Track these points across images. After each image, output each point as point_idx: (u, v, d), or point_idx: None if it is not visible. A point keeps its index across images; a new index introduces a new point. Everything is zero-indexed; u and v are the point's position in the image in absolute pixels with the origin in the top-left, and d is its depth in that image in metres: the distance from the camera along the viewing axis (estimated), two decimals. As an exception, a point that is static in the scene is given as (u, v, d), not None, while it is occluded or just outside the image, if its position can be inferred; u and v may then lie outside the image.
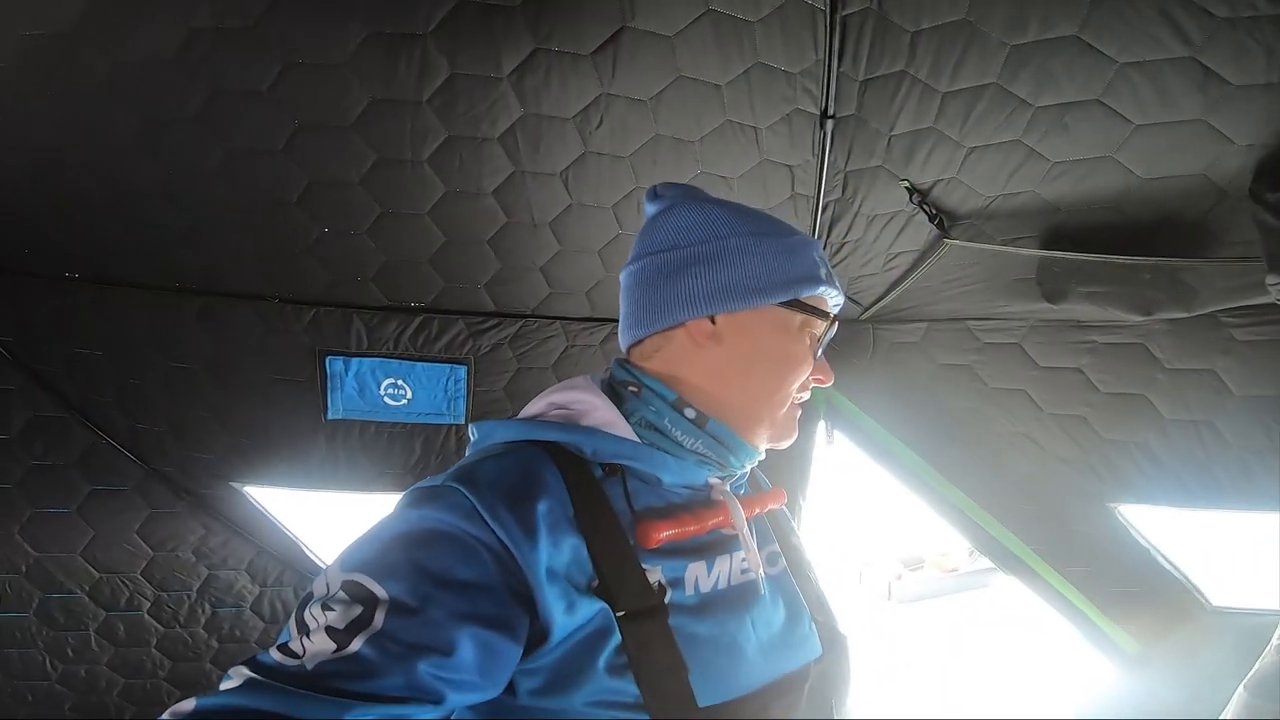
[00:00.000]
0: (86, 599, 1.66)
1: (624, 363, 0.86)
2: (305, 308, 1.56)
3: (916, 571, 6.88)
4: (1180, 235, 1.35)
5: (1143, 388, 1.69)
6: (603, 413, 0.80)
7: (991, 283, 1.67)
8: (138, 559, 1.67)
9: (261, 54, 1.18)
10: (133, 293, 1.48)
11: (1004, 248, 1.52)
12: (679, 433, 0.80)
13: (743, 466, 0.85)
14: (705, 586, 0.75)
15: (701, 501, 0.80)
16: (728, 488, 0.82)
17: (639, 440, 0.79)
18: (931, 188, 1.48)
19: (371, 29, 1.16)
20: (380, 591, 0.59)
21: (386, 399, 1.69)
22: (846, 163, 1.50)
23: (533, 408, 0.84)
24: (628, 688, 0.65)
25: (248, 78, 1.21)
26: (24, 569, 1.58)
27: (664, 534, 0.73)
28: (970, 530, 2.02)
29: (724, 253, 0.82)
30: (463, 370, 1.72)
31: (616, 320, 1.78)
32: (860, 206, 1.59)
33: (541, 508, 0.68)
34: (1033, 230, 1.49)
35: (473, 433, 0.82)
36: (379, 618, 0.58)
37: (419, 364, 1.69)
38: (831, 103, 1.37)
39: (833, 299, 0.87)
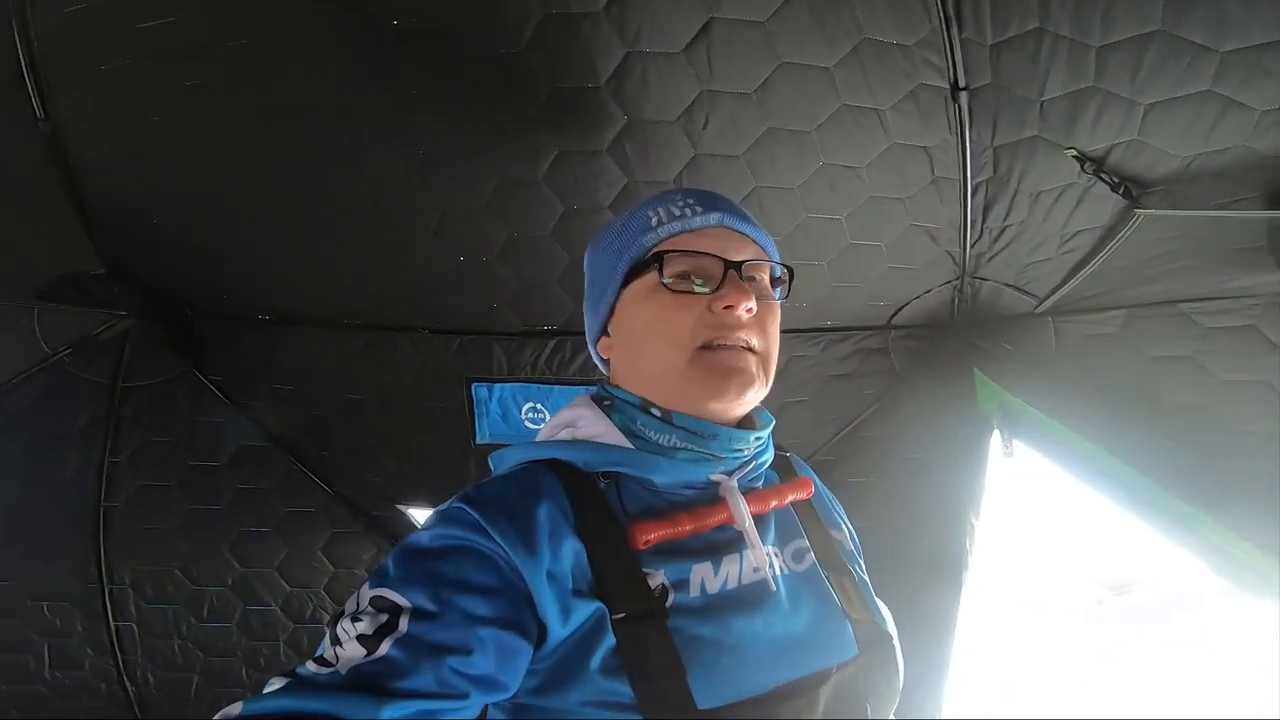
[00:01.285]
0: (279, 612, 1.88)
1: (601, 384, 0.91)
2: (452, 337, 1.69)
3: (1123, 595, 6.11)
4: None
5: None
6: (594, 425, 0.85)
7: (1208, 256, 1.37)
8: (321, 575, 1.88)
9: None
10: (311, 331, 1.69)
11: (1218, 212, 1.24)
12: (653, 433, 0.82)
13: (735, 452, 0.84)
14: (712, 587, 0.76)
15: (707, 500, 0.81)
16: (734, 483, 0.82)
17: (630, 447, 0.82)
18: (1107, 154, 1.25)
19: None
20: (404, 600, 0.64)
21: (528, 423, 1.77)
22: (993, 137, 1.32)
23: (544, 431, 0.91)
24: (622, 689, 0.67)
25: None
26: (230, 582, 1.84)
27: (653, 535, 0.75)
28: (1209, 552, 1.67)
29: (587, 270, 0.95)
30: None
31: (829, 329, 1.79)
32: (1019, 185, 1.39)
33: (540, 515, 0.73)
34: (1252, 189, 1.20)
35: (491, 463, 0.89)
36: (403, 623, 0.63)
37: (555, 387, 1.75)
38: (961, 73, 1.22)
39: (693, 224, 0.85)
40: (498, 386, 1.73)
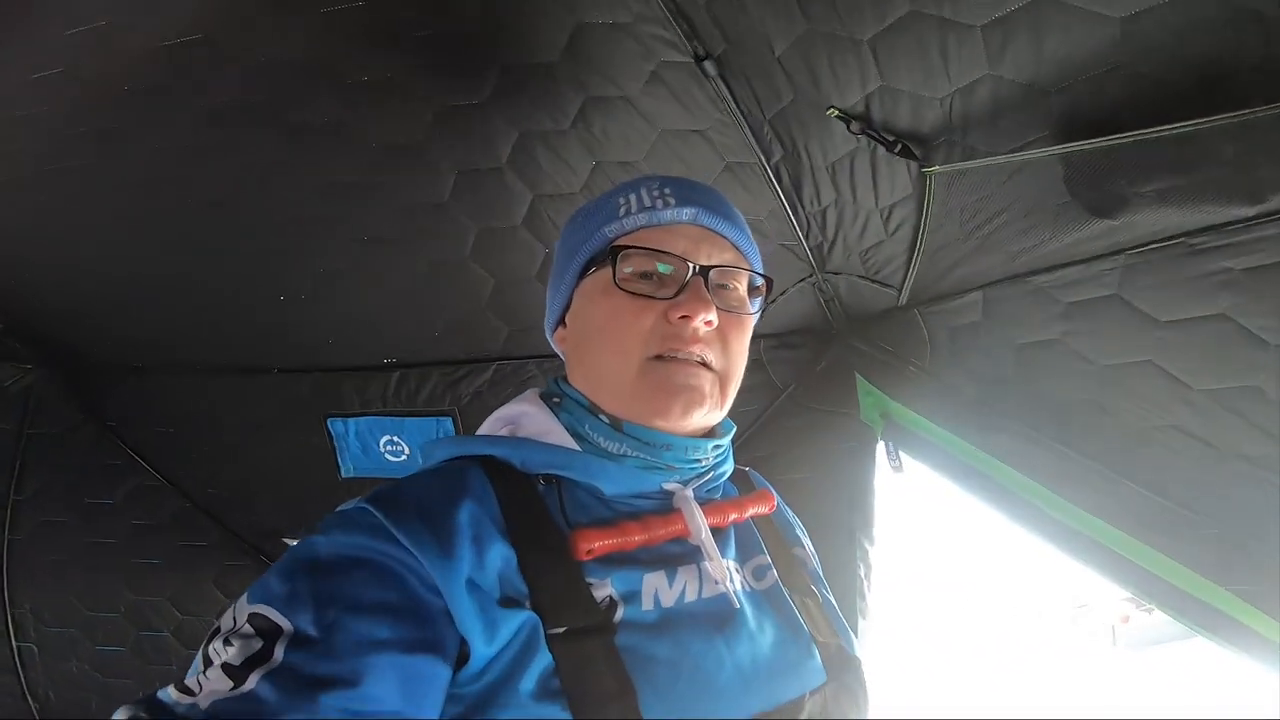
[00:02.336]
0: (171, 637, 1.92)
1: (555, 378, 0.83)
2: (303, 375, 1.70)
3: (1147, 613, 5.42)
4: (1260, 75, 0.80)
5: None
6: (539, 423, 0.76)
7: (1036, 216, 1.17)
8: (213, 604, 1.91)
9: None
10: (181, 377, 1.75)
11: (1005, 157, 1.06)
12: (602, 439, 0.73)
13: (692, 462, 0.75)
14: (667, 600, 0.66)
15: (660, 511, 0.72)
16: (689, 493, 0.74)
17: (577, 449, 0.73)
18: (867, 107, 1.11)
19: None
20: (285, 623, 0.55)
21: (388, 455, 1.74)
22: (762, 109, 1.21)
23: (483, 427, 0.81)
24: (559, 716, 0.56)
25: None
26: (123, 609, 1.90)
27: (598, 543, 0.66)
28: (1125, 573, 1.37)
29: (554, 256, 0.86)
30: (448, 421, 1.71)
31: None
32: (811, 159, 1.26)
33: (462, 515, 0.63)
34: (1037, 125, 1.02)
35: (420, 456, 0.80)
36: (279, 651, 0.53)
37: (408, 419, 1.72)
38: (697, 40, 1.13)
39: (662, 217, 0.75)
40: (353, 421, 1.72)
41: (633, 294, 0.72)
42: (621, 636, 0.61)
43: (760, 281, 0.81)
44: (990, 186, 1.14)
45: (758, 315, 0.82)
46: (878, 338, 1.58)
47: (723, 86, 1.17)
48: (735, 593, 0.70)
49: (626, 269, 0.74)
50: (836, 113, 1.12)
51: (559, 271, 0.83)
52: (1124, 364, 1.25)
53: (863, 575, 1.66)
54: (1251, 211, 0.88)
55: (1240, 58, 0.78)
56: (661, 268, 0.73)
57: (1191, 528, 1.31)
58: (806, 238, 1.43)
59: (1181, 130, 0.83)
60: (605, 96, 1.21)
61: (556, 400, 0.78)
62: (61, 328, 1.75)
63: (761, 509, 0.82)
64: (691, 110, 1.22)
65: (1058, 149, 1.00)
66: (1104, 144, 0.91)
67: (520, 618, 0.59)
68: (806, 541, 0.91)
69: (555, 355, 1.63)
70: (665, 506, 0.73)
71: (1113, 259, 1.18)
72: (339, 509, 0.65)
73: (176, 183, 1.31)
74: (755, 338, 1.60)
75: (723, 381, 0.75)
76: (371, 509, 0.62)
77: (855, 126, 1.12)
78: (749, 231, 0.83)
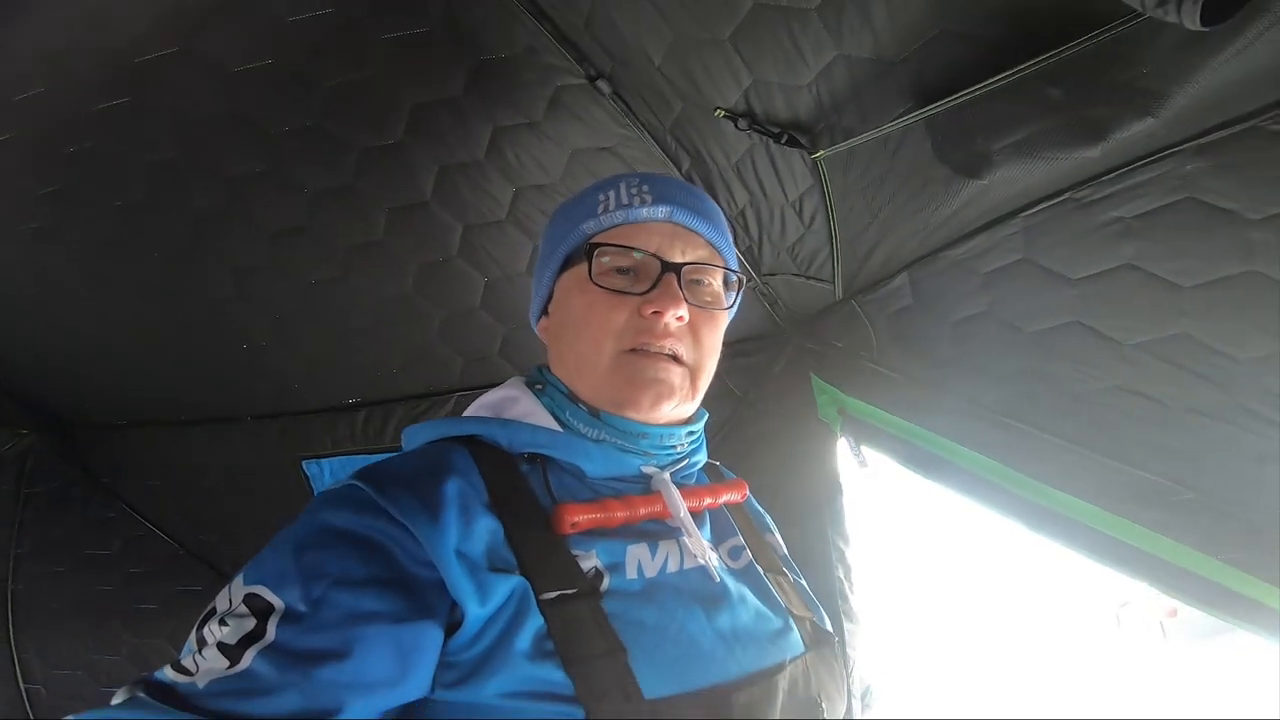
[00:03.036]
0: None
1: (539, 365, 0.88)
2: (271, 420, 1.80)
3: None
4: (1067, 18, 0.85)
5: (1241, 262, 1.01)
6: (523, 406, 0.80)
7: (926, 189, 1.21)
8: None
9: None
10: (161, 430, 1.88)
11: (875, 131, 1.11)
12: (582, 425, 0.78)
13: (668, 449, 0.80)
14: (650, 571, 0.71)
15: (639, 493, 0.77)
16: (667, 476, 0.79)
17: (560, 430, 0.78)
18: (748, 103, 1.18)
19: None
20: (276, 601, 0.57)
21: (363, 492, 1.82)
22: (658, 118, 1.29)
23: (468, 412, 0.85)
24: (554, 674, 0.59)
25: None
26: (124, 652, 2.00)
27: (581, 517, 0.69)
28: (1112, 552, 1.32)
29: (540, 248, 0.91)
30: None
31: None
32: (715, 162, 1.33)
33: (449, 489, 0.66)
34: (904, 97, 1.07)
35: (403, 439, 0.84)
36: (271, 629, 0.56)
37: (379, 454, 1.79)
38: (586, 62, 1.22)
39: (639, 214, 0.80)
40: (326, 461, 1.81)
41: (607, 289, 0.77)
42: (609, 602, 0.65)
43: (735, 278, 0.85)
44: (880, 164, 1.19)
45: (732, 311, 0.87)
46: (825, 334, 1.61)
47: (619, 103, 1.27)
48: (715, 567, 0.74)
49: (602, 264, 0.78)
50: (723, 113, 1.20)
51: (542, 264, 0.88)
52: (1051, 328, 1.26)
53: (842, 576, 1.64)
54: (1097, 150, 0.90)
55: (1046, 2, 0.83)
56: (634, 261, 0.78)
57: (1163, 494, 1.27)
58: (735, 242, 1.48)
59: (1007, 80, 0.87)
60: (513, 125, 1.32)
61: (539, 386, 0.82)
62: (51, 392, 1.92)
63: (734, 496, 0.87)
64: (595, 129, 1.32)
65: (912, 117, 1.05)
66: (947, 105, 0.96)
67: (511, 582, 0.62)
68: (776, 532, 0.96)
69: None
70: (644, 489, 0.78)
71: (1011, 222, 1.21)
72: (328, 488, 0.69)
73: (131, 240, 1.45)
74: (706, 348, 1.69)
75: (693, 374, 0.79)
76: (360, 484, 0.65)
77: (742, 124, 1.20)
78: (725, 229, 0.87)
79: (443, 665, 0.61)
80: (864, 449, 1.59)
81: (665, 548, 0.73)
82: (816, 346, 1.64)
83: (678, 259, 0.79)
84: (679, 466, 0.81)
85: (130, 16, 1.13)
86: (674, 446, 0.80)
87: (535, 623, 0.61)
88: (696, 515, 0.81)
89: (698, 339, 0.79)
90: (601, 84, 1.25)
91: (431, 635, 0.60)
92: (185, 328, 1.63)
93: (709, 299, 0.82)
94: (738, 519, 0.88)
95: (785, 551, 0.95)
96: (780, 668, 0.71)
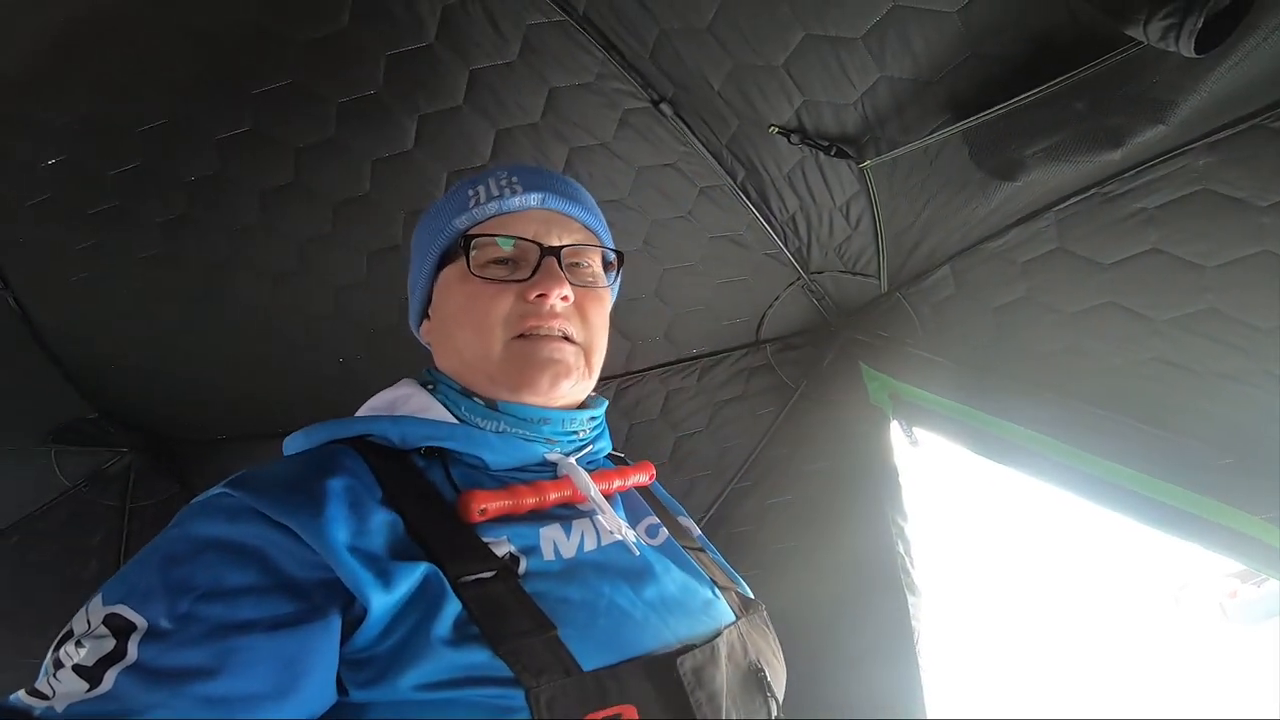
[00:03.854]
0: None
1: (428, 368, 0.89)
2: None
3: (1256, 586, 5.22)
4: (1083, 41, 1.01)
5: (1255, 243, 1.16)
6: (418, 401, 0.80)
7: (964, 190, 1.37)
8: None
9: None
10: (254, 444, 2.08)
11: (920, 142, 1.27)
12: (479, 419, 0.79)
13: (570, 434, 0.82)
14: (568, 551, 0.71)
15: (546, 479, 0.78)
16: (573, 460, 0.81)
17: (456, 422, 0.78)
18: (800, 120, 1.35)
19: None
20: (138, 619, 0.55)
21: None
22: (716, 136, 1.46)
23: (359, 412, 0.84)
24: (479, 657, 0.58)
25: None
26: None
27: (490, 504, 0.69)
28: (1158, 516, 1.46)
29: (411, 253, 0.93)
30: None
31: (699, 356, 1.89)
32: (769, 173, 1.50)
33: (335, 485, 0.65)
34: (940, 109, 1.24)
35: (284, 448, 0.82)
36: (132, 648, 0.53)
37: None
38: (650, 88, 1.40)
39: (511, 204, 0.83)
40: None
41: (488, 279, 0.80)
42: (530, 584, 0.65)
43: (613, 257, 0.90)
44: (922, 170, 1.35)
45: (614, 289, 0.94)
46: (872, 325, 1.77)
47: (680, 123, 1.45)
48: (632, 541, 0.76)
49: (480, 257, 0.81)
50: (776, 129, 1.37)
51: (416, 267, 0.90)
52: (1089, 308, 1.40)
53: (903, 551, 1.80)
54: (1117, 154, 1.06)
55: (1070, 25, 0.99)
56: (511, 249, 0.81)
57: (1205, 458, 1.41)
58: (786, 244, 1.65)
59: (1035, 97, 1.03)
60: (585, 146, 1.50)
61: (430, 386, 0.83)
62: (148, 411, 2.12)
63: (642, 478, 0.91)
64: (659, 147, 1.49)
65: (950, 130, 1.21)
66: (981, 119, 1.12)
67: (419, 569, 0.61)
68: (688, 516, 1.00)
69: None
70: (550, 476, 0.79)
71: (1044, 216, 1.37)
72: (195, 499, 0.66)
73: (238, 262, 1.66)
74: (761, 343, 1.85)
75: (587, 353, 0.83)
76: (230, 491, 0.63)
77: (794, 138, 1.36)
78: (598, 211, 0.93)
79: (353, 664, 0.59)
80: (915, 430, 1.75)
81: (580, 527, 0.74)
82: (865, 337, 1.80)
83: (555, 242, 0.82)
84: (583, 453, 0.84)
85: (243, 51, 1.33)
86: (576, 432, 0.83)
87: (453, 607, 0.60)
88: (607, 498, 0.82)
89: (585, 318, 0.83)
90: (664, 107, 1.42)
91: (320, 639, 0.57)
92: (284, 344, 1.83)
93: (590, 279, 0.86)
94: (650, 503, 0.91)
95: (700, 533, 0.97)
96: (717, 633, 0.72)
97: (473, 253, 0.81)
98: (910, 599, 1.78)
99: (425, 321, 0.91)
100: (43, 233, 1.60)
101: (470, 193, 0.85)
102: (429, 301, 0.89)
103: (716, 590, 0.80)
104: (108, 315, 1.81)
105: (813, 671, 1.70)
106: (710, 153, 1.49)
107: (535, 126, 1.46)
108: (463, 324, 0.81)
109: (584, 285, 0.84)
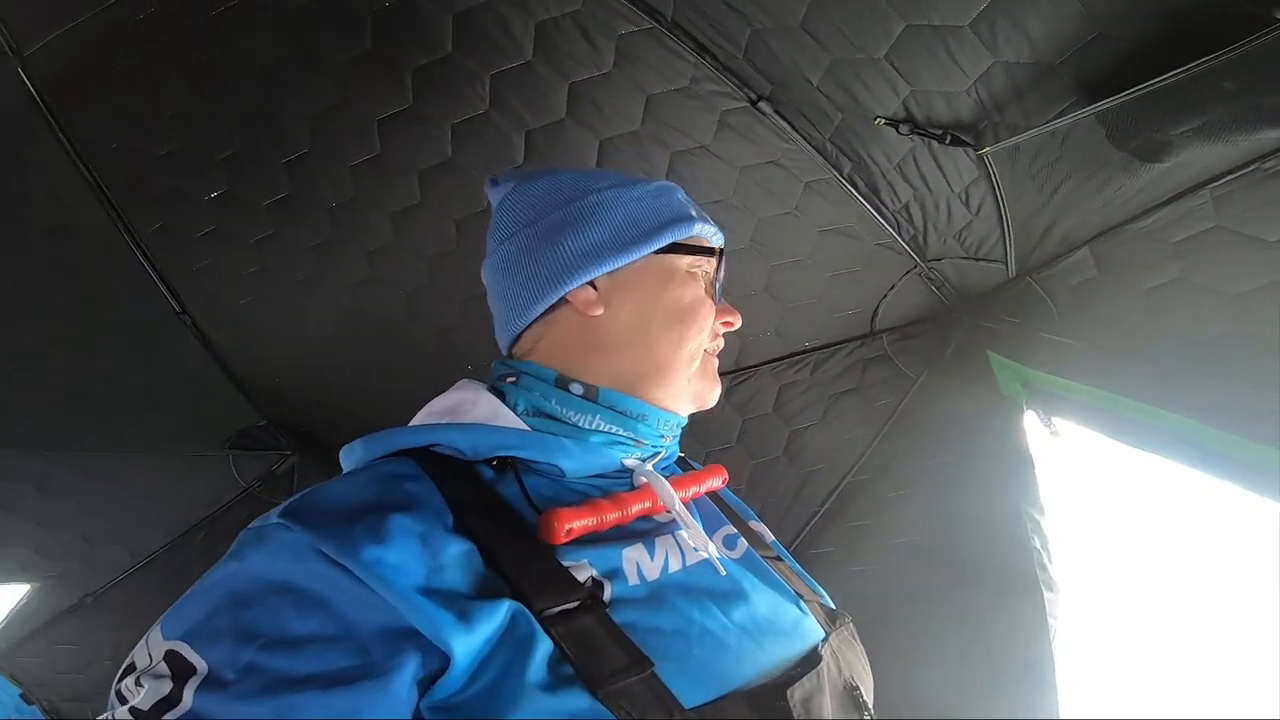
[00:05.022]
0: None
1: (502, 360, 0.83)
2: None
3: None
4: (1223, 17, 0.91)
5: None
6: (484, 407, 0.75)
7: (1102, 172, 1.28)
8: None
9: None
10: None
11: (1044, 127, 1.21)
12: (571, 412, 0.75)
13: (659, 437, 0.79)
14: (652, 573, 0.67)
15: (622, 488, 0.74)
16: (650, 467, 0.77)
17: (527, 429, 0.74)
18: (907, 110, 1.31)
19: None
20: (199, 662, 0.52)
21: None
22: (818, 130, 1.45)
23: (416, 420, 0.79)
24: (579, 701, 0.54)
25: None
26: None
27: (575, 523, 0.64)
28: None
29: (587, 211, 0.81)
30: None
31: (811, 350, 1.91)
32: (877, 164, 1.47)
33: (402, 519, 0.59)
34: (1064, 96, 1.16)
35: (341, 460, 0.77)
36: (188, 695, 0.51)
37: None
38: (747, 87, 1.41)
39: (712, 236, 0.88)
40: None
41: (708, 292, 0.83)
42: (616, 613, 0.60)
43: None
44: (1050, 153, 1.28)
45: None
46: (1000, 312, 1.69)
47: (780, 120, 1.45)
48: (717, 559, 0.72)
49: (696, 264, 0.83)
50: (883, 121, 1.34)
51: (630, 229, 0.81)
52: (1254, 289, 1.28)
53: (1039, 546, 1.72)
54: (1277, 133, 0.96)
55: (1205, 2, 0.90)
56: (709, 271, 0.85)
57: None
58: (900, 233, 1.62)
59: (1176, 78, 0.95)
60: (686, 149, 1.54)
61: (512, 379, 0.78)
62: (307, 417, 2.39)
63: (715, 482, 0.88)
64: (760, 145, 1.50)
65: (1080, 113, 1.14)
66: (1116, 101, 1.05)
67: (503, 606, 0.56)
68: (759, 520, 0.96)
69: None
70: (626, 485, 0.75)
71: (1198, 194, 1.25)
72: (254, 525, 0.61)
73: (379, 280, 1.84)
74: (876, 334, 1.82)
75: None
76: (288, 524, 0.58)
77: (904, 129, 1.33)
78: None
79: (440, 715, 0.54)
80: (1054, 420, 1.66)
81: (663, 546, 0.70)
82: (992, 324, 1.72)
83: (722, 278, 0.87)
84: (657, 459, 0.81)
85: (367, 81, 1.47)
86: (663, 436, 0.80)
87: (544, 646, 0.56)
88: (685, 507, 0.77)
89: None
90: (763, 105, 1.43)
91: (375, 698, 0.52)
92: (417, 352, 2.02)
93: None
94: (722, 508, 0.89)
95: (774, 538, 0.93)
96: (815, 655, 0.69)
97: (692, 257, 0.82)
98: (1047, 595, 1.71)
99: (587, 290, 0.79)
100: (213, 261, 1.84)
101: (679, 198, 0.87)
102: (613, 271, 0.80)
103: (803, 605, 0.77)
104: (269, 333, 2.06)
105: (940, 671, 1.70)
106: (814, 147, 1.49)
107: (636, 134, 1.51)
108: (673, 321, 0.80)
109: None
